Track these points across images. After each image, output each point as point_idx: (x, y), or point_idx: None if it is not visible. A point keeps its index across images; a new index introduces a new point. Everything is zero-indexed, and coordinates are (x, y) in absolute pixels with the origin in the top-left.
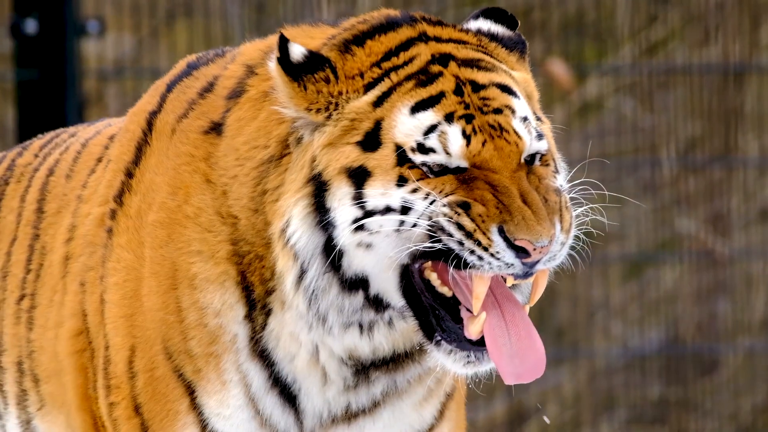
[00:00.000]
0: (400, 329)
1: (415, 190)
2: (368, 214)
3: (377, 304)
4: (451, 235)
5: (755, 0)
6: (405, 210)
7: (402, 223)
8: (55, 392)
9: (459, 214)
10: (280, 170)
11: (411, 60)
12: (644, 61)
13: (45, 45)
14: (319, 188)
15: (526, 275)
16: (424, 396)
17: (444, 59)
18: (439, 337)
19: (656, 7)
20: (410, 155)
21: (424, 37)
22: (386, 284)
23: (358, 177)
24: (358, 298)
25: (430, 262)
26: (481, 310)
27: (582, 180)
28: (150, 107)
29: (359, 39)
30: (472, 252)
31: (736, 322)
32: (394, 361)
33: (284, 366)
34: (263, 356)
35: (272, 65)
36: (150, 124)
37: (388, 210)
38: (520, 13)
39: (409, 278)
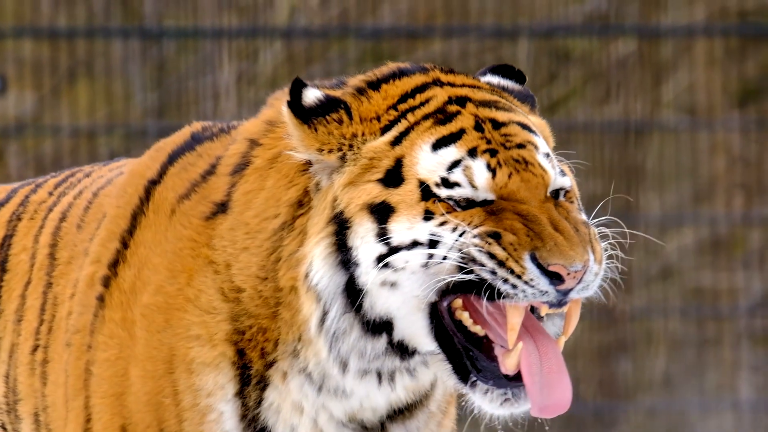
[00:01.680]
0: (422, 379)
1: (442, 223)
2: (393, 250)
3: (402, 350)
4: (483, 265)
5: (656, 58)
6: (433, 243)
7: (430, 257)
8: None
9: (490, 244)
10: (294, 234)
11: (428, 101)
12: (545, 119)
13: None
14: (340, 227)
15: (560, 304)
16: None
17: (461, 100)
18: (474, 378)
19: (557, 64)
20: (435, 190)
21: (438, 82)
22: (413, 328)
23: (381, 213)
24: (381, 342)
25: (460, 301)
26: (516, 342)
27: (606, 217)
28: (150, 174)
29: (374, 84)
30: (506, 281)
31: (637, 380)
32: (409, 410)
33: None
34: None
35: (284, 109)
36: (148, 193)
37: (414, 245)
38: None
39: (439, 319)
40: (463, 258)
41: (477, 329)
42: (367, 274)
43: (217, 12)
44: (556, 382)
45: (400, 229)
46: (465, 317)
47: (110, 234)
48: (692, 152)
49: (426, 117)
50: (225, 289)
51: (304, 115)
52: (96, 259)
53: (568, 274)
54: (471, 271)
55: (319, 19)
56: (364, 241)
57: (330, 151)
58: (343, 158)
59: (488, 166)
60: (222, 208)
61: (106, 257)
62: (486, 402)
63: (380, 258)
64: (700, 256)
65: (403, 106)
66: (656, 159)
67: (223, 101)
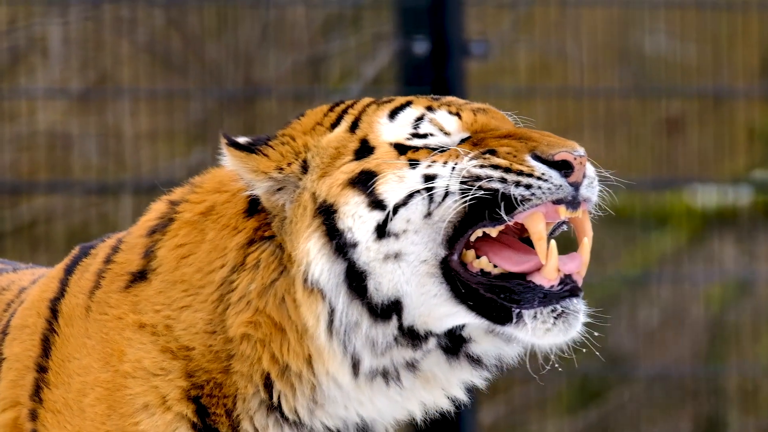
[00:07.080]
0: (425, 377)
1: (431, 164)
2: (391, 213)
3: (412, 336)
4: (490, 177)
5: None
6: (430, 179)
7: (431, 199)
8: None
9: (488, 158)
10: (246, 272)
11: (356, 103)
12: None
13: None
14: (327, 215)
15: (575, 203)
16: None
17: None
18: (517, 309)
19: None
20: (409, 143)
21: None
22: (427, 300)
23: (365, 182)
24: (391, 327)
25: (472, 252)
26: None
27: None
28: (49, 295)
29: (294, 120)
30: (518, 183)
31: None
32: None
33: None
34: None
35: (227, 148)
36: (54, 312)
37: (411, 196)
38: None
39: (456, 279)
40: (465, 181)
41: (500, 270)
42: (368, 251)
43: None
44: (577, 258)
45: (391, 187)
46: (484, 262)
47: (20, 371)
48: None
49: (367, 105)
50: (173, 348)
51: (248, 150)
52: (12, 404)
53: (575, 159)
54: (480, 189)
55: None
56: (356, 217)
57: (289, 164)
58: (304, 165)
59: (450, 113)
60: (140, 275)
61: (24, 394)
62: (538, 326)
63: (378, 227)
64: None
65: (338, 110)
66: None
67: None
